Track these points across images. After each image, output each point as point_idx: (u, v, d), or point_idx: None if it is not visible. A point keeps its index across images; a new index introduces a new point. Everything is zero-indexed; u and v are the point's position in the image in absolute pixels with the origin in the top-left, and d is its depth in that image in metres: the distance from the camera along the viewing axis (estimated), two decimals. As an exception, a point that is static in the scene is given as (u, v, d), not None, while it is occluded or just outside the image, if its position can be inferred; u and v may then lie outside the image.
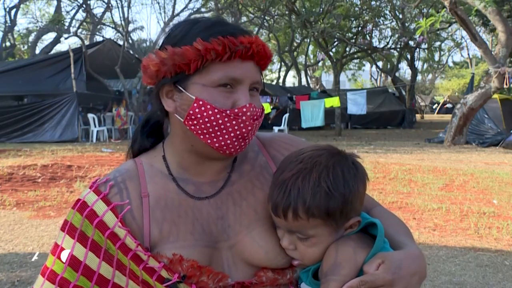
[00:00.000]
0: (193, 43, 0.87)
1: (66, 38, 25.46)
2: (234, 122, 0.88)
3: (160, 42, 0.96)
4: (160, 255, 0.89)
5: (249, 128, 0.90)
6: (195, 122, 0.89)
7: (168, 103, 0.94)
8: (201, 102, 0.88)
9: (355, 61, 30.34)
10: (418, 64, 34.39)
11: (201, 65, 0.88)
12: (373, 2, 18.91)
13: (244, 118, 0.89)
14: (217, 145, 0.90)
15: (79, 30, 23.56)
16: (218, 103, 0.88)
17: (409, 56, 24.81)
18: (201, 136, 0.90)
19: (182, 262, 0.88)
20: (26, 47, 28.70)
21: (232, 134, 0.89)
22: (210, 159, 0.96)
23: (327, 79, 41.57)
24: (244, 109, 0.88)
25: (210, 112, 0.88)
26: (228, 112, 0.88)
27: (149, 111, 1.08)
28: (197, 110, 0.88)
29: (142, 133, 1.06)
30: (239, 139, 0.90)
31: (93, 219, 0.91)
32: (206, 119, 0.88)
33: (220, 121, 0.88)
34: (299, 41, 26.47)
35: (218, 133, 0.89)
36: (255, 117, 0.91)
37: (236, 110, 0.88)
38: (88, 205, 0.92)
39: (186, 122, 0.90)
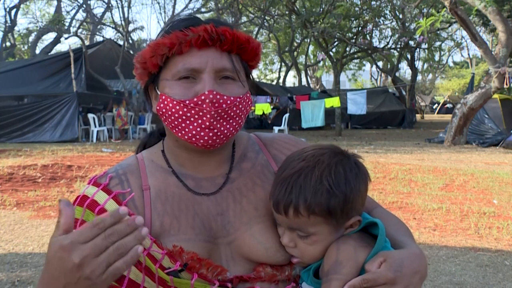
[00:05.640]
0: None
1: (66, 38, 25.50)
2: (193, 112, 0.88)
3: None
4: (161, 247, 0.89)
5: (208, 116, 0.87)
6: (164, 117, 0.92)
7: (154, 104, 0.97)
8: (164, 97, 0.91)
9: (355, 61, 30.34)
10: (418, 64, 34.41)
11: (161, 62, 0.90)
12: (373, 2, 18.90)
13: (203, 105, 0.87)
14: (186, 137, 0.90)
15: (79, 30, 23.55)
16: (178, 95, 0.89)
17: (409, 56, 24.81)
18: (174, 130, 0.91)
19: (182, 254, 0.88)
20: (26, 47, 28.72)
21: (195, 124, 0.88)
22: (200, 155, 0.96)
23: (327, 79, 41.59)
24: (203, 97, 0.87)
25: (171, 105, 0.89)
26: (186, 102, 0.88)
27: None
28: (161, 105, 0.91)
29: (154, 133, 1.10)
30: (205, 130, 0.89)
31: (95, 207, 0.90)
32: (170, 112, 0.90)
33: (181, 112, 0.89)
34: (299, 41, 26.46)
35: (183, 124, 0.89)
36: (220, 105, 0.88)
37: (195, 99, 0.88)
38: (89, 197, 0.92)
39: (162, 119, 0.93)
